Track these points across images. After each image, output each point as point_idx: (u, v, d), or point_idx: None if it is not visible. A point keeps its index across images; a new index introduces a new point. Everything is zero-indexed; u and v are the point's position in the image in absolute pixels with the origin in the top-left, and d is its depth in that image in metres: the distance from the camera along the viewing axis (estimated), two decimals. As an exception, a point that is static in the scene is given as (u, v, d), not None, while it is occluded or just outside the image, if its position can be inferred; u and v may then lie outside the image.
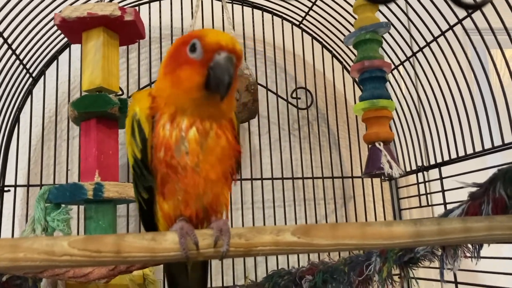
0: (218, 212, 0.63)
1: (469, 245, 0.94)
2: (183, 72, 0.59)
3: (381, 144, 1.16)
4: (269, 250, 0.57)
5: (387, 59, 1.32)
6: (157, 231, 0.67)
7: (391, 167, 1.12)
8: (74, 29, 1.06)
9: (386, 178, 1.44)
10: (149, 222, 0.68)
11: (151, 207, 0.66)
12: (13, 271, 0.82)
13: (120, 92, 1.32)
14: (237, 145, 0.65)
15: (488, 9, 0.99)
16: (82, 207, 1.30)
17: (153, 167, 0.62)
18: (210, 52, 0.58)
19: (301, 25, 1.54)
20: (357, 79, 1.27)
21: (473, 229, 0.61)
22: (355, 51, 1.41)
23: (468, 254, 0.96)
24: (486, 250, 0.96)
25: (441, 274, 0.98)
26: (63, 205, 0.98)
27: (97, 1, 1.27)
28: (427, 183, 1.35)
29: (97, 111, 1.00)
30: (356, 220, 1.48)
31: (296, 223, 1.44)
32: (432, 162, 1.29)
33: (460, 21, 1.12)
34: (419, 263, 1.04)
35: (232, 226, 0.67)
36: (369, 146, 1.22)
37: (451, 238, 0.61)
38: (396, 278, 1.09)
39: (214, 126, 0.61)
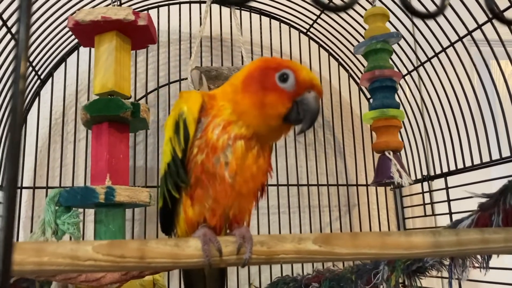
0: (241, 222, 0.63)
1: (478, 256, 0.95)
2: (269, 98, 0.60)
3: (391, 153, 1.16)
4: (291, 258, 0.57)
5: (394, 69, 1.33)
6: (172, 231, 0.67)
7: (400, 176, 1.12)
8: (87, 33, 1.06)
9: (395, 187, 1.45)
10: (167, 222, 0.68)
11: (174, 207, 0.66)
12: (36, 275, 0.81)
13: (129, 96, 1.32)
14: (270, 166, 0.67)
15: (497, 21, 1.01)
16: (87, 210, 1.30)
17: (189, 169, 0.62)
18: (302, 88, 0.60)
19: (308, 33, 1.55)
20: (367, 88, 1.27)
21: (491, 240, 0.62)
22: (361, 60, 1.42)
23: (476, 265, 0.97)
24: (492, 261, 0.97)
25: (450, 284, 0.98)
26: (73, 208, 0.98)
27: (107, 5, 1.27)
28: (431, 193, 1.36)
29: (110, 115, 1.00)
30: (360, 228, 1.48)
31: (300, 230, 1.45)
32: (438, 171, 1.29)
33: (470, 33, 1.13)
34: (427, 273, 1.05)
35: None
36: (379, 155, 1.23)
37: (469, 249, 0.62)
38: (400, 286, 1.09)
39: (258, 145, 0.62)
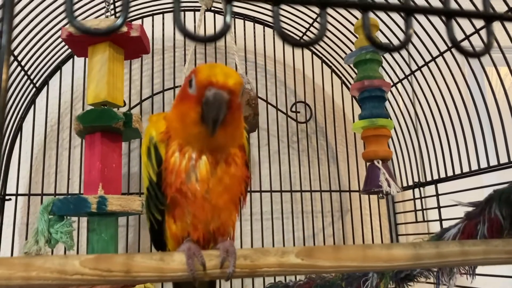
0: (225, 233, 0.65)
1: (465, 264, 0.96)
2: (183, 106, 0.60)
3: (380, 162, 1.18)
4: (274, 271, 0.58)
5: (385, 77, 1.35)
6: (165, 248, 0.69)
7: (389, 185, 1.14)
8: (80, 43, 1.08)
9: (384, 196, 1.46)
10: (158, 239, 0.70)
11: (161, 226, 0.67)
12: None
13: (122, 105, 1.33)
14: (247, 171, 0.66)
15: (484, 29, 1.02)
16: (82, 218, 1.32)
17: (164, 191, 0.63)
18: (202, 89, 0.57)
19: (302, 40, 1.56)
20: (357, 98, 1.29)
21: (470, 252, 0.63)
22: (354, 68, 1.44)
23: (463, 272, 0.98)
24: (479, 268, 0.99)
25: (437, 291, 1.00)
26: (66, 217, 0.99)
27: (99, 16, 1.29)
28: (423, 199, 1.37)
29: (102, 125, 1.01)
30: (353, 234, 1.50)
31: (293, 235, 1.46)
32: (429, 178, 1.31)
33: (458, 43, 1.14)
34: (415, 280, 1.06)
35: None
36: (368, 163, 1.25)
37: (449, 261, 0.63)
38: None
39: (223, 155, 0.62)
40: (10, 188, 1.29)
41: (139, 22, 1.41)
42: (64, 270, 0.53)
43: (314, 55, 1.57)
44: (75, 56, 1.38)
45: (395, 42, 1.30)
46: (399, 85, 1.40)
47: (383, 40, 1.27)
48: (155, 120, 0.66)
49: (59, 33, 1.25)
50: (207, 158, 0.60)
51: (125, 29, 1.03)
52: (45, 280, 0.53)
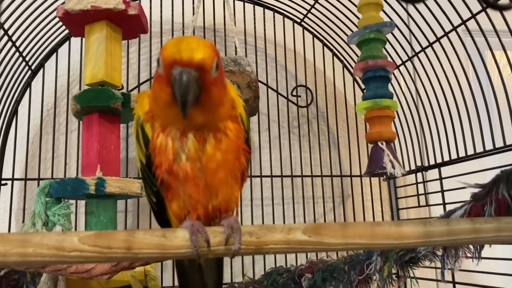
0: (229, 209, 0.62)
1: (471, 246, 0.95)
2: (155, 87, 0.56)
3: (384, 143, 1.16)
4: (280, 248, 0.56)
5: (388, 59, 1.32)
6: (169, 225, 0.67)
7: (393, 167, 1.12)
8: (77, 22, 1.05)
9: (387, 178, 1.44)
10: (161, 217, 0.67)
11: (161, 205, 0.65)
12: (21, 266, 0.81)
13: (120, 87, 1.30)
14: (243, 144, 0.62)
15: (491, 10, 1.00)
16: (79, 203, 1.29)
17: (155, 172, 0.59)
18: (168, 68, 0.52)
19: (303, 23, 1.54)
20: (360, 78, 1.27)
21: (482, 230, 0.62)
22: (355, 50, 1.41)
23: (469, 255, 0.97)
24: (485, 251, 0.97)
25: (442, 274, 0.98)
26: (64, 200, 0.97)
27: None
28: (424, 183, 1.35)
29: (100, 105, 0.99)
30: (354, 219, 1.48)
31: (294, 221, 1.44)
32: (432, 162, 1.29)
33: (464, 22, 1.12)
34: (419, 263, 1.05)
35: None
36: (372, 145, 1.22)
37: (459, 239, 0.61)
38: (394, 277, 1.09)
39: (210, 131, 0.58)
40: (6, 173, 1.26)
41: (136, 3, 1.38)
42: (62, 247, 0.51)
43: (315, 38, 1.54)
44: (71, 39, 1.35)
45: (398, 22, 1.28)
46: (402, 67, 1.37)
47: (386, 20, 1.24)
48: (140, 99, 0.62)
49: (54, 14, 1.22)
50: (193, 136, 0.57)
51: (122, 6, 1.00)
52: (42, 257, 0.51)
